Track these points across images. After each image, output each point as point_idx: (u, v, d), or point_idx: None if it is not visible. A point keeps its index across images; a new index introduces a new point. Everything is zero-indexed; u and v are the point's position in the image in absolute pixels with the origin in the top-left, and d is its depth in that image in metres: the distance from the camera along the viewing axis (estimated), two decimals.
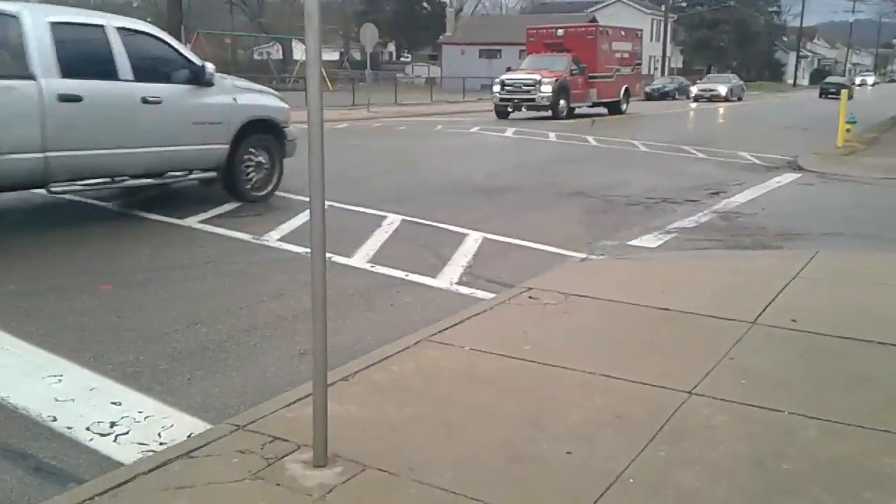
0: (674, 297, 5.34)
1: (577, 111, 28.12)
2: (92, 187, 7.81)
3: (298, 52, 49.29)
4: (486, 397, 3.75)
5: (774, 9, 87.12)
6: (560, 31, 30.35)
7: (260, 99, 9.44)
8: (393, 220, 8.34)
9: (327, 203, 9.17)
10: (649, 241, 7.79)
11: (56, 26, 7.23)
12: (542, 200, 10.16)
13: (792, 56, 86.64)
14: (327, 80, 42.83)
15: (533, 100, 25.99)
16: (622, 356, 4.30)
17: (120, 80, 7.67)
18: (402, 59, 73.34)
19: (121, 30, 7.83)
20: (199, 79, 8.35)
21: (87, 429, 3.59)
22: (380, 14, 56.67)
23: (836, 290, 5.70)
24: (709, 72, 78.40)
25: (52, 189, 7.40)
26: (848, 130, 17.18)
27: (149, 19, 61.20)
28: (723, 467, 3.08)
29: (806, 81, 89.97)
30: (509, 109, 26.83)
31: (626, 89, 31.37)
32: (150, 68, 7.99)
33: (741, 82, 50.82)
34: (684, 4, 77.25)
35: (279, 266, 6.52)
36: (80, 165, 7.42)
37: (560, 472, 3.06)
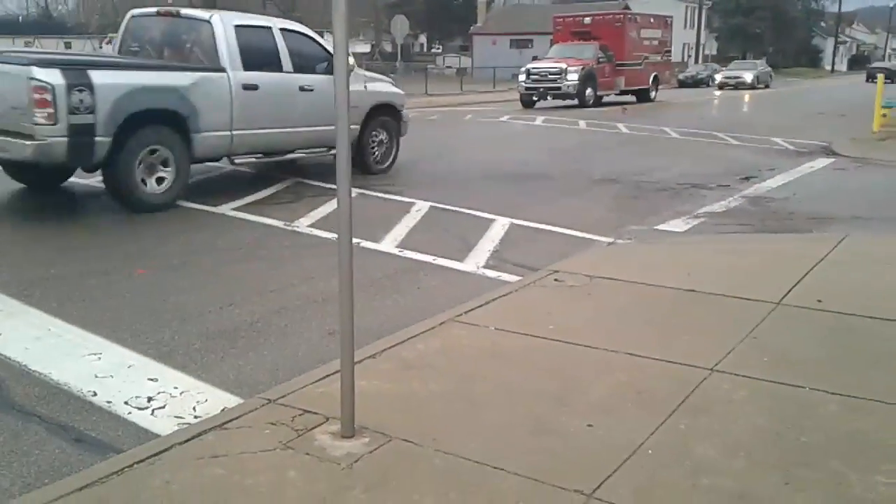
0: (699, 279, 5.36)
1: (605, 99, 27.79)
2: (260, 160, 9.37)
3: (330, 45, 49.49)
4: (510, 374, 3.83)
5: None
6: (587, 19, 29.98)
7: (383, 86, 10.96)
8: (421, 207, 8.43)
9: (358, 190, 9.30)
10: (678, 225, 7.79)
11: (238, 28, 8.77)
12: (570, 187, 10.19)
13: (830, 42, 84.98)
14: None
15: (559, 88, 25.71)
16: (645, 335, 4.35)
17: (284, 71, 9.18)
18: (433, 50, 73.32)
19: (283, 30, 9.39)
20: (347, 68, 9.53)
21: (126, 403, 3.74)
22: (411, 6, 56.72)
23: (864, 271, 5.67)
24: (744, 58, 77.36)
25: (235, 161, 9.07)
26: (884, 115, 16.88)
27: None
28: (741, 440, 3.13)
29: (844, 67, 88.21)
30: (535, 98, 26.54)
31: (655, 77, 30.86)
32: (304, 61, 9.44)
33: (768, 68, 49.18)
34: None
35: (309, 251, 6.66)
36: (255, 142, 8.98)
37: (582, 444, 3.13)
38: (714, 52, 72.78)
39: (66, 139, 7.03)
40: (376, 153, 10.70)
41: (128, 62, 8.52)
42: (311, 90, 9.34)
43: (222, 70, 8.46)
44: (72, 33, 63.92)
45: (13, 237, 7.13)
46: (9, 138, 7.08)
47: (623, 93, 28.84)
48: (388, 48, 56.36)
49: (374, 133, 10.55)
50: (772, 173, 11.33)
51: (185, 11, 9.54)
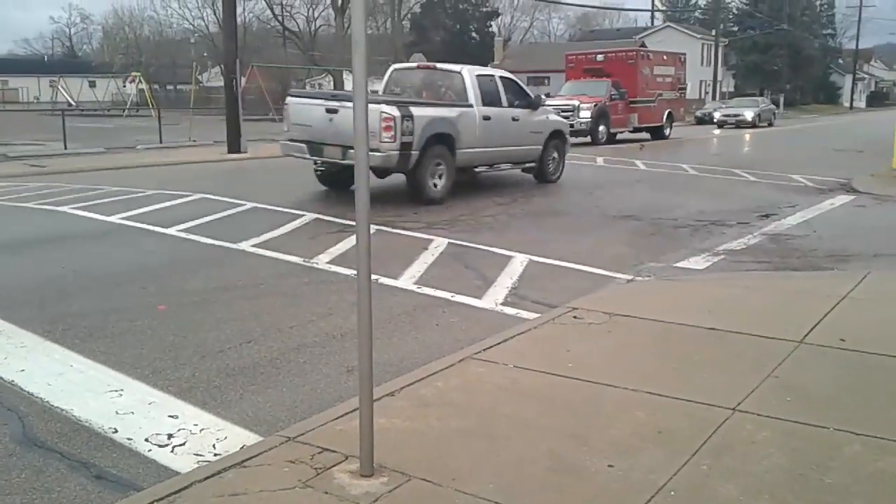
0: (720, 317, 5.33)
1: (619, 136, 27.69)
2: (489, 170, 13.05)
3: (349, 83, 50.24)
4: (529, 412, 3.81)
5: (829, 31, 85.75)
6: (600, 57, 30.00)
7: (556, 118, 14.85)
8: (439, 244, 8.46)
9: (375, 227, 9.33)
10: (697, 262, 7.76)
11: (477, 76, 12.62)
12: (588, 223, 10.19)
13: (848, 79, 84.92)
14: None
15: (571, 125, 25.40)
16: (666, 374, 4.32)
17: (503, 106, 12.75)
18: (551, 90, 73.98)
19: (501, 77, 13.31)
20: (533, 105, 13.54)
21: (146, 440, 3.75)
22: (429, 44, 57.40)
23: (887, 309, 5.62)
24: (761, 95, 77.45)
25: (478, 172, 12.85)
26: None
27: (205, 54, 62.64)
28: (765, 481, 3.08)
29: (863, 104, 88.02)
30: None
31: (670, 114, 30.60)
32: (512, 98, 13.06)
33: (771, 106, 47.43)
34: (735, 28, 76.58)
35: (328, 287, 6.69)
36: (487, 157, 12.59)
37: (601, 484, 3.10)
38: (732, 89, 72.97)
39: (398, 153, 10.57)
40: (551, 167, 14.29)
41: (421, 101, 11.92)
42: (518, 120, 13.06)
43: (471, 106, 12.06)
44: (96, 72, 65.23)
45: (34, 275, 7.23)
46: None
47: (637, 130, 28.69)
48: None
49: (551, 152, 14.11)
50: (791, 210, 11.29)
51: (440, 66, 13.37)
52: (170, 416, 4.02)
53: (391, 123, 10.39)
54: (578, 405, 3.89)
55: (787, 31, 67.65)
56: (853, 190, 13.49)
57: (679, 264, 7.67)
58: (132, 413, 4.05)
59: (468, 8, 62.82)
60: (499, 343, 4.86)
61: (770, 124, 43.02)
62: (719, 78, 57.22)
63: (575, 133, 24.81)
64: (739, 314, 5.47)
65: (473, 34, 66.62)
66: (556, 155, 14.32)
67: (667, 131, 30.31)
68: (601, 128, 26.02)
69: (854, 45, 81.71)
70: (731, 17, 76.52)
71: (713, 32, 57.34)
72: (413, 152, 10.74)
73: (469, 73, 12.42)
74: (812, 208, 11.49)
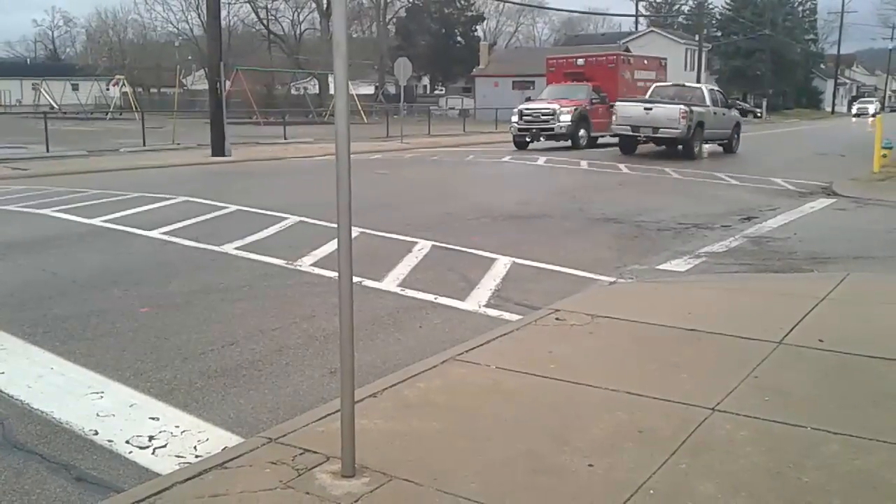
0: (700, 319, 5.37)
1: (601, 141, 27.12)
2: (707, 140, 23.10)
3: (334, 87, 50.03)
4: (511, 412, 3.83)
5: (811, 37, 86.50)
6: (580, 61, 29.97)
7: (735, 112, 24.95)
8: (423, 246, 8.48)
9: (360, 230, 9.39)
10: (679, 265, 7.82)
11: (709, 89, 24.16)
12: (572, 226, 10.24)
13: (830, 83, 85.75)
14: (362, 112, 43.51)
15: (552, 129, 25.31)
16: (646, 374, 4.35)
17: (718, 107, 22.98)
18: (436, 91, 74.14)
19: (716, 90, 24.89)
20: (728, 106, 24.25)
21: (127, 442, 3.74)
22: (414, 49, 57.49)
23: (865, 311, 5.68)
24: (744, 100, 77.94)
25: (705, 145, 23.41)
26: (884, 156, 17.00)
27: (189, 57, 62.29)
28: (743, 479, 3.12)
29: (845, 108, 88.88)
30: (527, 139, 25.88)
31: None
32: (718, 101, 23.16)
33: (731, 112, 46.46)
34: (719, 34, 77.15)
35: (311, 290, 6.69)
36: (712, 135, 22.82)
37: (582, 483, 3.12)
38: None
39: (686, 130, 20.62)
40: (734, 143, 24.26)
41: (691, 103, 21.54)
42: (724, 115, 23.24)
43: (707, 106, 22.06)
44: (79, 75, 64.81)
45: (15, 277, 7.17)
46: (668, 130, 20.90)
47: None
48: (392, 90, 57.08)
49: (734, 134, 24.02)
50: (773, 213, 11.39)
51: (687, 84, 24.55)
52: (151, 418, 4.01)
53: (686, 114, 20.46)
54: (560, 405, 3.91)
55: (770, 36, 68.28)
56: (834, 193, 13.63)
57: (661, 266, 7.72)
58: (113, 415, 4.04)
59: (453, 12, 63.00)
60: (481, 344, 4.88)
61: None
62: (703, 83, 57.55)
63: (555, 136, 25.53)
64: (720, 315, 5.52)
65: (459, 38, 66.79)
66: (736, 136, 24.21)
67: None
68: (581, 132, 25.99)
69: (836, 50, 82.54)
70: (714, 22, 77.04)
71: (696, 38, 57.71)
72: (691, 131, 20.60)
73: (706, 87, 24.32)
74: (793, 211, 11.60)
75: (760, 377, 4.27)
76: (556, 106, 25.54)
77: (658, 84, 25.26)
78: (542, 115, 25.51)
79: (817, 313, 5.53)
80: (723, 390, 4.05)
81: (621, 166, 19.24)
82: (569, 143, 25.62)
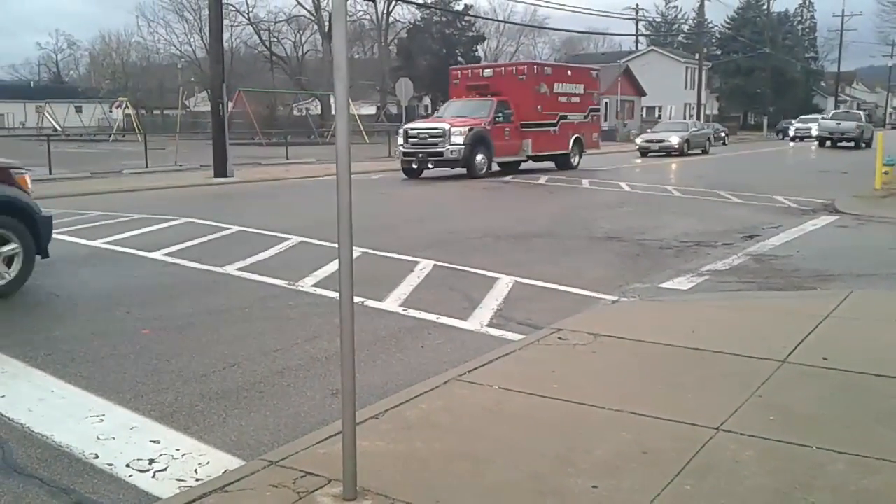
0: (703, 338, 5.35)
1: (523, 166, 24.07)
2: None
3: (335, 108, 50.25)
4: (514, 433, 3.80)
5: (812, 54, 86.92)
6: (487, 72, 24.96)
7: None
8: (425, 266, 8.47)
9: (361, 250, 9.38)
10: (681, 283, 7.79)
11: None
12: (573, 245, 10.23)
13: (831, 101, 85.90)
14: (363, 133, 43.63)
15: (440, 154, 20.92)
16: (650, 394, 4.32)
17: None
18: (437, 111, 74.55)
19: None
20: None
21: (127, 465, 3.71)
22: (415, 69, 57.71)
23: (869, 329, 5.65)
24: (745, 119, 78.05)
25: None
26: (886, 173, 16.98)
27: (192, 79, 62.62)
28: (749, 501, 3.08)
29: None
30: (414, 166, 21.58)
31: (577, 139, 25.45)
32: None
33: (707, 129, 40.96)
34: (719, 52, 77.56)
35: (313, 310, 6.67)
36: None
37: None
38: (716, 112, 73.77)
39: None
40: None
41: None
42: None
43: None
44: (82, 98, 65.22)
45: (16, 299, 7.16)
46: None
47: (536, 158, 24.13)
48: (394, 110, 57.27)
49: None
50: (775, 231, 11.37)
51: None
52: (151, 441, 3.98)
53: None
54: (563, 426, 3.88)
55: (770, 54, 68.58)
56: (836, 210, 13.61)
57: (664, 285, 7.70)
58: (113, 438, 4.01)
59: (454, 33, 63.29)
60: (484, 365, 4.85)
61: (704, 151, 37.13)
62: (703, 101, 57.80)
63: (446, 163, 21.25)
64: (723, 334, 5.49)
65: (460, 58, 67.10)
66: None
67: (574, 160, 25.43)
68: (480, 157, 21.45)
69: (836, 67, 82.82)
70: (714, 40, 77.50)
71: (697, 56, 58.00)
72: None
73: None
74: (795, 229, 11.58)
75: (765, 396, 4.24)
76: (446, 126, 21.20)
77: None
78: (430, 136, 21.12)
79: (821, 331, 5.50)
80: (727, 410, 4.02)
81: (622, 184, 19.26)
82: (464, 170, 21.36)
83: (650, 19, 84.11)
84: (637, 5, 75.73)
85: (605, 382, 4.57)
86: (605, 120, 47.26)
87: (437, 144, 20.98)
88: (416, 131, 21.78)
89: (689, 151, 34.92)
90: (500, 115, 22.40)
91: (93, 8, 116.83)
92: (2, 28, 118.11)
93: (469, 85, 24.43)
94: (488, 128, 21.85)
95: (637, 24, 78.01)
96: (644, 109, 64.91)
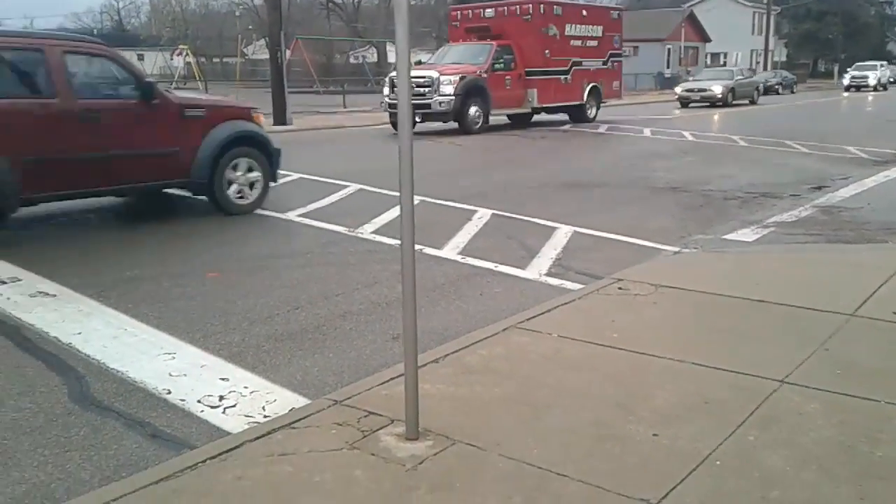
0: (769, 290, 5.25)
1: (536, 118, 21.95)
2: None
3: (392, 55, 50.15)
4: (573, 381, 3.82)
5: None
6: (489, 11, 21.70)
7: None
8: (483, 214, 8.46)
9: (420, 198, 9.37)
10: (746, 235, 7.63)
11: None
12: (634, 195, 10.08)
13: None
14: None
15: (427, 106, 18.28)
16: (712, 345, 4.28)
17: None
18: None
19: None
20: None
21: (198, 401, 3.86)
22: None
23: None
24: (815, 66, 74.96)
25: None
26: None
27: (250, 27, 62.86)
28: (812, 452, 3.05)
29: None
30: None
31: (594, 88, 23.03)
32: None
33: (756, 78, 37.25)
34: None
35: (373, 256, 6.75)
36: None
37: (647, 452, 3.10)
38: (784, 59, 71.04)
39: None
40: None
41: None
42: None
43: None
44: (144, 46, 66.08)
45: (87, 240, 7.41)
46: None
47: (545, 110, 21.93)
48: None
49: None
50: (844, 182, 11.00)
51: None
52: (221, 379, 4.12)
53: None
54: (623, 375, 3.89)
55: None
56: None
57: (728, 236, 7.55)
58: (185, 375, 4.17)
59: None
60: (542, 313, 4.86)
61: (752, 101, 34.04)
62: (771, 47, 55.67)
63: (435, 116, 18.82)
64: (789, 286, 5.38)
65: None
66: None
67: (590, 112, 23.16)
68: (473, 109, 18.97)
69: None
70: None
71: (764, 1, 55.68)
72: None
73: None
74: (866, 180, 11.18)
75: (831, 350, 4.16)
76: (434, 73, 18.76)
77: None
78: (418, 86, 18.25)
79: (892, 285, 5.34)
80: (792, 362, 3.96)
81: (686, 133, 18.81)
82: (455, 124, 19.07)
83: None
84: None
85: (665, 333, 4.54)
86: (668, 67, 45.78)
87: (424, 95, 18.32)
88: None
89: (735, 101, 32.13)
90: (501, 61, 19.93)
91: None
92: None
93: (468, 27, 21.91)
94: (484, 76, 19.42)
95: None
96: (709, 56, 62.89)
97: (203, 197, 8.67)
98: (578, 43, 22.37)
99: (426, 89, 18.37)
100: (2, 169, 6.68)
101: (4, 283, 5.77)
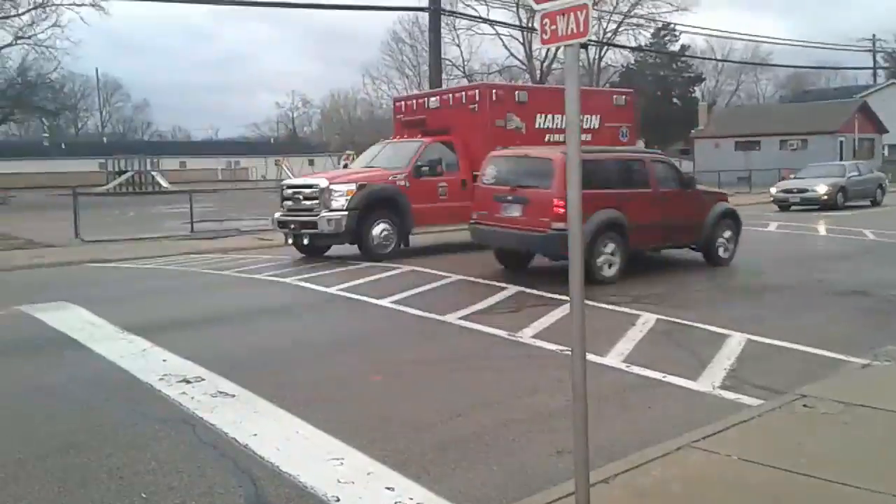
0: None
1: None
2: None
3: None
4: None
5: None
6: (433, 101, 16.93)
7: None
8: (647, 319, 8.19)
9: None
10: None
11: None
12: (811, 300, 9.44)
13: None
14: None
15: (313, 224, 13.86)
16: None
17: None
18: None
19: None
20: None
21: None
22: None
23: None
24: None
25: None
26: None
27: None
28: None
29: None
30: (289, 241, 15.06)
31: None
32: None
33: (877, 175, 30.05)
34: None
35: (533, 362, 6.66)
36: None
37: None
38: None
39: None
40: None
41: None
42: None
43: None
44: (315, 151, 71.14)
45: (262, 342, 7.82)
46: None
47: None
48: None
49: None
50: None
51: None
52: (387, 488, 4.13)
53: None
54: None
55: None
56: None
57: None
58: (352, 482, 4.21)
59: (670, 74, 61.94)
60: (720, 431, 4.56)
61: (874, 202, 27.98)
62: None
63: (322, 238, 14.15)
64: None
65: (675, 100, 65.43)
66: None
67: None
68: (379, 228, 13.99)
69: None
70: None
71: None
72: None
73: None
74: None
75: None
76: (321, 181, 14.19)
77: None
78: (304, 197, 14.27)
79: None
80: None
81: (866, 231, 17.59)
82: (354, 245, 14.14)
83: (889, 50, 77.13)
84: (874, 35, 69.72)
85: (860, 459, 4.12)
86: (841, 159, 43.40)
87: (312, 210, 14.01)
88: (291, 191, 14.74)
89: (847, 203, 26.09)
90: (429, 164, 14.74)
91: (323, 68, 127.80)
92: (244, 89, 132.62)
93: (406, 121, 17.32)
94: (402, 183, 14.46)
95: (875, 56, 71.78)
96: (886, 148, 59.24)
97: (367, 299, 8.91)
98: (559, 138, 15.78)
99: (313, 202, 14.01)
100: (625, 225, 10.84)
101: (189, 382, 6.15)
